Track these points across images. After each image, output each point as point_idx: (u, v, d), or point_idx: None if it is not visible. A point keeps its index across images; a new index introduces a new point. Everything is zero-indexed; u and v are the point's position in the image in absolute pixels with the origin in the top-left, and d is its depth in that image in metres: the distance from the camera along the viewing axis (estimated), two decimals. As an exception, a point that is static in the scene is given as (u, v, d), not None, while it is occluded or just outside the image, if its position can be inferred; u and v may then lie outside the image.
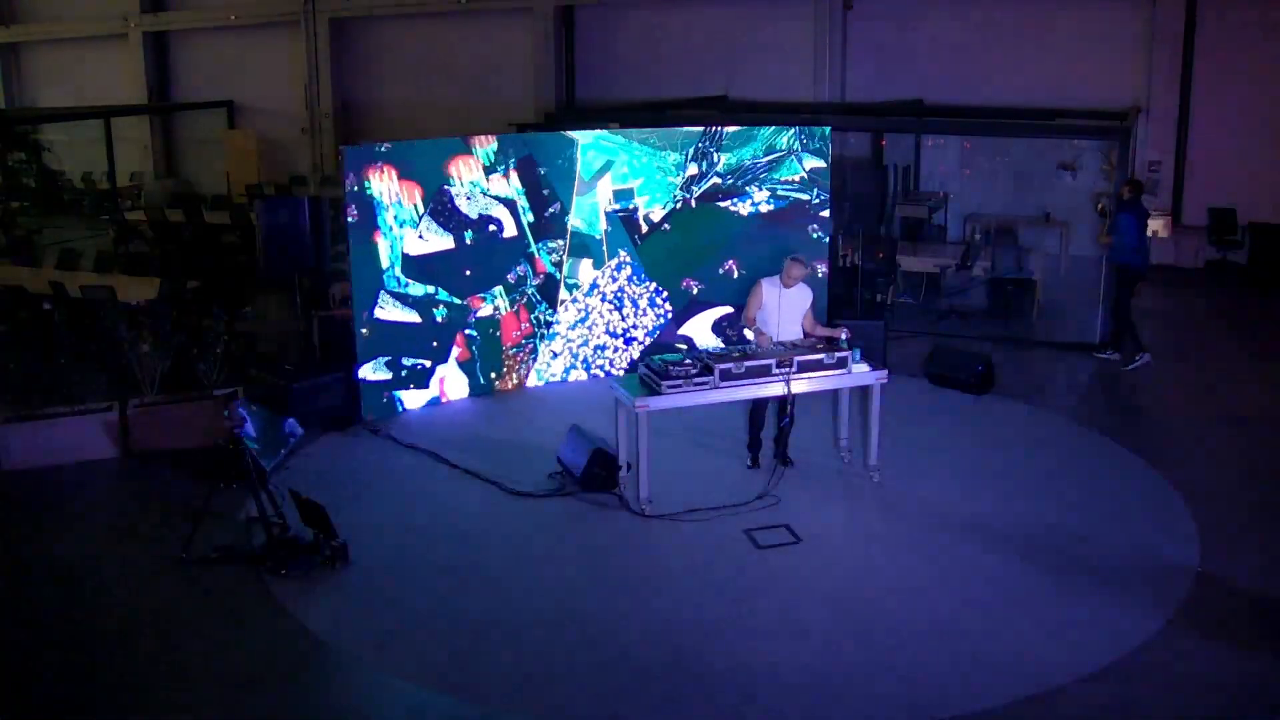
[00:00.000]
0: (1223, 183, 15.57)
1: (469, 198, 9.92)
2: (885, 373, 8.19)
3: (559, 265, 10.44)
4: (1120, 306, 11.11)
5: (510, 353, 10.38)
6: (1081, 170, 16.36)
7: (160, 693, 5.89)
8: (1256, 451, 8.97)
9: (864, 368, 8.10)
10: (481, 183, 9.95)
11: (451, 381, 10.13)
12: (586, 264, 10.57)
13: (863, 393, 8.68)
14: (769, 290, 8.31)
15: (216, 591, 6.89)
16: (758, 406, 8.47)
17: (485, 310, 10.16)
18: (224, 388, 9.37)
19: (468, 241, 9.95)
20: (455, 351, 10.09)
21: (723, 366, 7.70)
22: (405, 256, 9.61)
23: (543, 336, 10.51)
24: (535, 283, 10.36)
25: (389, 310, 9.60)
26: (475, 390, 10.24)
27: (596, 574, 7.04)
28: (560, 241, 10.40)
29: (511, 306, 10.28)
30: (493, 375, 10.34)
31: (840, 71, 17.78)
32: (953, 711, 5.54)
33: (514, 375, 10.44)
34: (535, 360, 10.53)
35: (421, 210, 9.69)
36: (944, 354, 10.61)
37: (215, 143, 22.66)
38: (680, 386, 7.66)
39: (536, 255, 10.32)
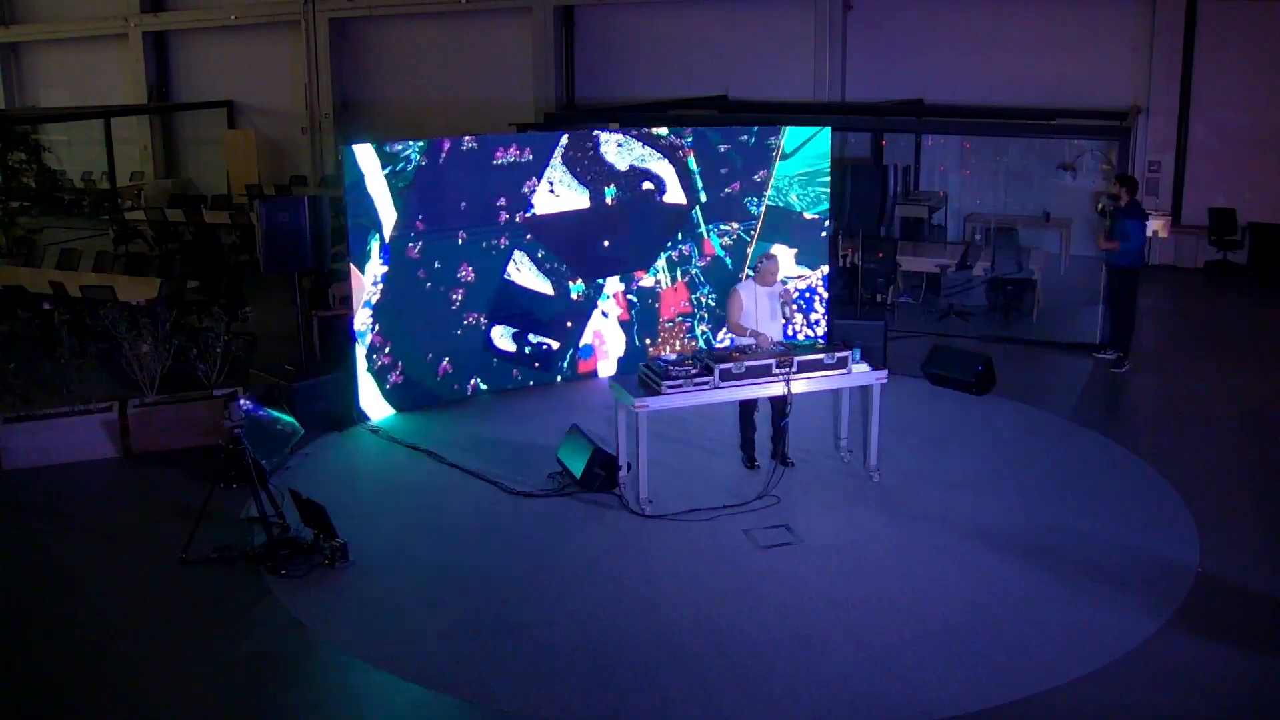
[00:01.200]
0: (1223, 183, 15.58)
1: (620, 144, 9.79)
2: (885, 373, 8.19)
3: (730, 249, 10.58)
4: (1126, 309, 11.03)
5: (667, 326, 10.65)
6: (1081, 170, 16.37)
7: (160, 693, 5.89)
8: (1257, 451, 8.97)
9: (864, 368, 8.10)
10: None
11: (610, 337, 10.56)
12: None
13: (863, 393, 8.69)
14: (746, 294, 8.35)
15: (216, 591, 6.89)
16: (746, 408, 8.48)
17: (647, 281, 10.41)
18: (224, 388, 9.37)
19: (609, 201, 9.82)
20: (617, 310, 10.49)
21: (723, 366, 7.70)
22: (535, 219, 9.53)
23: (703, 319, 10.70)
24: (701, 264, 10.49)
25: (524, 273, 9.48)
26: (630, 350, 10.53)
27: (596, 574, 7.04)
28: (734, 224, 10.52)
29: (672, 284, 10.51)
30: (648, 341, 10.63)
31: (840, 71, 17.78)
32: (953, 711, 5.54)
33: (670, 346, 10.66)
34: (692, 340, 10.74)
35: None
36: (944, 354, 10.61)
37: (215, 143, 22.67)
38: (680, 386, 7.66)
39: (706, 237, 10.43)
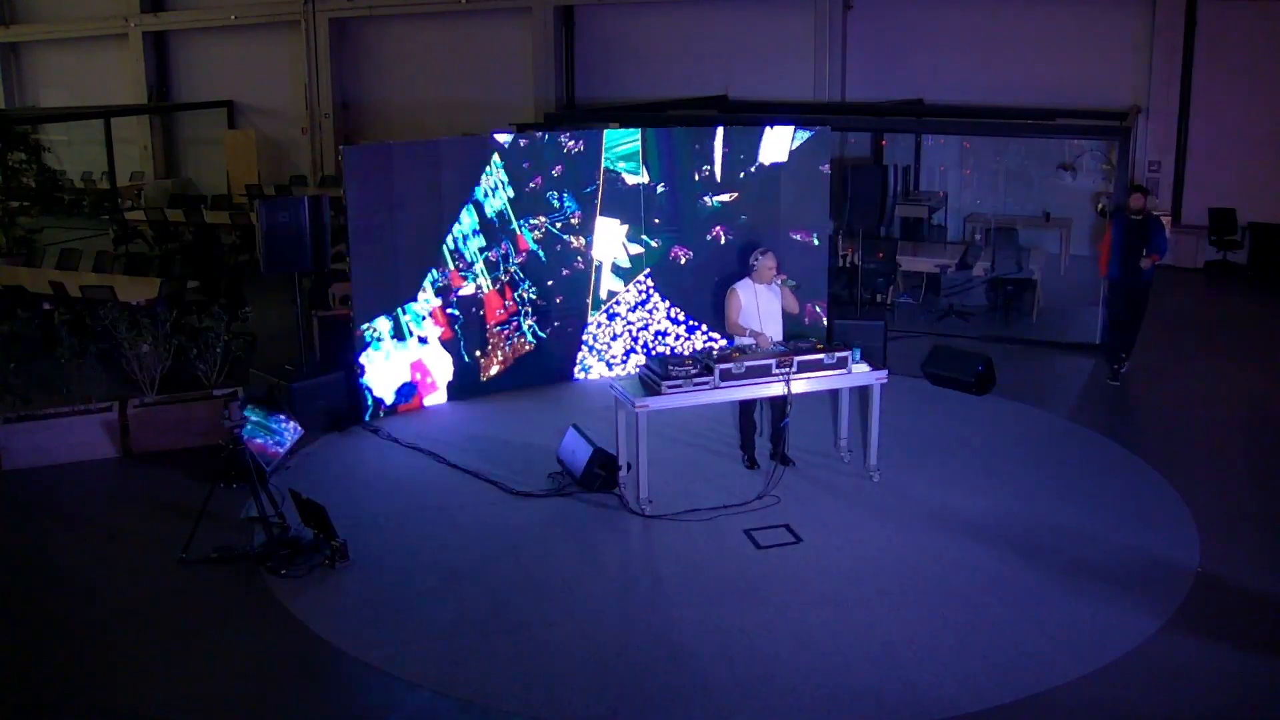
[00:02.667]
0: (1223, 183, 15.58)
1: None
2: (885, 373, 8.19)
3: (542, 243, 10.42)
4: (1139, 320, 10.65)
5: (495, 331, 10.33)
6: (1081, 170, 16.38)
7: (160, 693, 5.89)
8: (1257, 452, 8.97)
9: (864, 368, 8.10)
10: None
11: (434, 362, 10.03)
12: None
13: (862, 393, 8.69)
14: (745, 293, 8.31)
15: (216, 591, 6.89)
16: (746, 407, 8.47)
17: (467, 289, 10.11)
18: (224, 388, 9.37)
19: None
20: (438, 330, 10.01)
21: (723, 366, 7.70)
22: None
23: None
24: (517, 261, 10.34)
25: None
26: (461, 370, 10.17)
27: (596, 574, 7.04)
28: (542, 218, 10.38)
29: (494, 287, 10.24)
30: (478, 354, 10.28)
31: (840, 71, 17.79)
32: (953, 711, 5.54)
33: (498, 354, 10.39)
34: (519, 339, 10.48)
35: None
36: (944, 354, 10.61)
37: (215, 143, 22.67)
38: (680, 386, 7.66)
39: (519, 233, 10.27)
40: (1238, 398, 10.24)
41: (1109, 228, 10.72)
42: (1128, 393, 10.60)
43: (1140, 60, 15.85)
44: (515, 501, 8.07)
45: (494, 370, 10.39)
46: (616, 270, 10.74)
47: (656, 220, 10.68)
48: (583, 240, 10.53)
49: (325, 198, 10.17)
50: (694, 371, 7.71)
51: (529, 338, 10.56)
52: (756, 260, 8.31)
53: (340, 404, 9.57)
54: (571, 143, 10.36)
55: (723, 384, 7.72)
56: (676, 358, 7.92)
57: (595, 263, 10.65)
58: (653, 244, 10.69)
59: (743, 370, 7.75)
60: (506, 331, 10.40)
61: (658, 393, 7.63)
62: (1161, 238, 10.41)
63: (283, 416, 8.79)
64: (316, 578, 6.96)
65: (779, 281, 8.28)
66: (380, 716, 5.67)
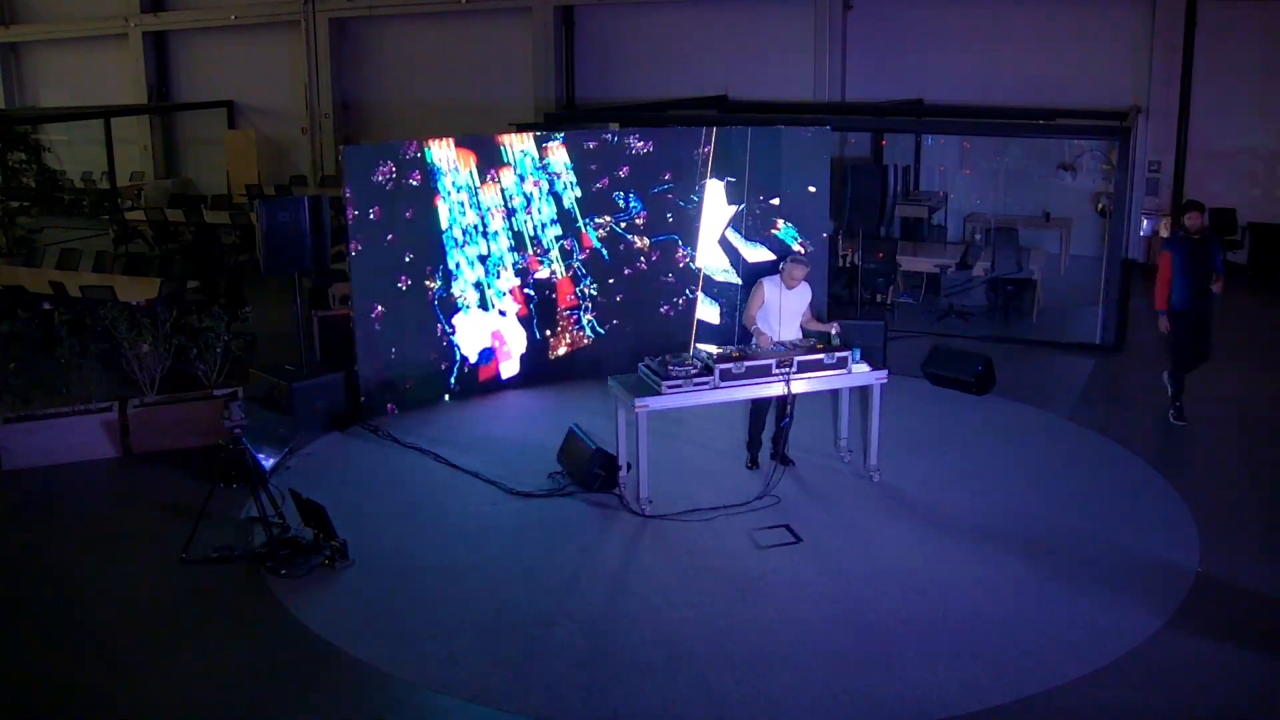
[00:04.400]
0: (1223, 183, 15.58)
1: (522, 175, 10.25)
2: (885, 373, 8.19)
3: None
4: (1209, 349, 9.66)
5: (564, 315, 10.67)
6: (1081, 170, 16.38)
7: (160, 693, 5.89)
8: (1257, 452, 8.97)
9: (864, 368, 8.10)
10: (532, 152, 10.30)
11: (510, 334, 10.50)
12: None
13: (863, 393, 8.69)
14: (770, 290, 8.33)
15: (216, 591, 6.89)
16: (758, 407, 8.48)
17: (542, 273, 10.48)
18: (224, 388, 9.37)
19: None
20: (516, 307, 10.45)
21: (723, 366, 7.70)
22: None
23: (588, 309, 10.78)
24: (581, 257, 10.59)
25: None
26: (532, 345, 10.60)
27: (596, 574, 7.04)
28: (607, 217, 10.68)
29: (568, 273, 10.62)
30: (548, 333, 10.64)
31: (840, 71, 17.78)
32: (953, 711, 5.54)
33: (565, 338, 10.69)
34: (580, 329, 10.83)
35: (477, 179, 10.01)
36: (944, 354, 10.61)
37: (215, 143, 22.67)
38: (680, 386, 7.66)
39: (584, 230, 10.53)
40: (1238, 398, 10.23)
41: (1163, 256, 9.45)
42: (1128, 392, 10.60)
43: (1140, 60, 15.85)
44: (515, 501, 8.07)
45: (561, 351, 10.75)
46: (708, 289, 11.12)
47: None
48: (645, 241, 10.78)
49: (325, 198, 10.18)
50: (694, 371, 7.71)
51: (588, 332, 10.82)
52: (784, 265, 8.35)
53: (340, 404, 9.57)
54: (640, 144, 10.59)
55: (723, 384, 7.72)
56: (677, 358, 7.92)
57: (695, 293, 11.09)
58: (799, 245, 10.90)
59: (743, 370, 7.75)
60: (575, 317, 10.73)
61: (657, 393, 7.63)
62: (1223, 256, 9.49)
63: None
64: (316, 578, 6.96)
65: (834, 331, 8.25)
66: (380, 717, 5.67)
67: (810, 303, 8.49)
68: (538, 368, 10.62)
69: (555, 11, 19.58)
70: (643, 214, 10.72)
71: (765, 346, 8.10)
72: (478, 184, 10.06)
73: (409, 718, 5.68)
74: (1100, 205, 15.70)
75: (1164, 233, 13.54)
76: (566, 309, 10.67)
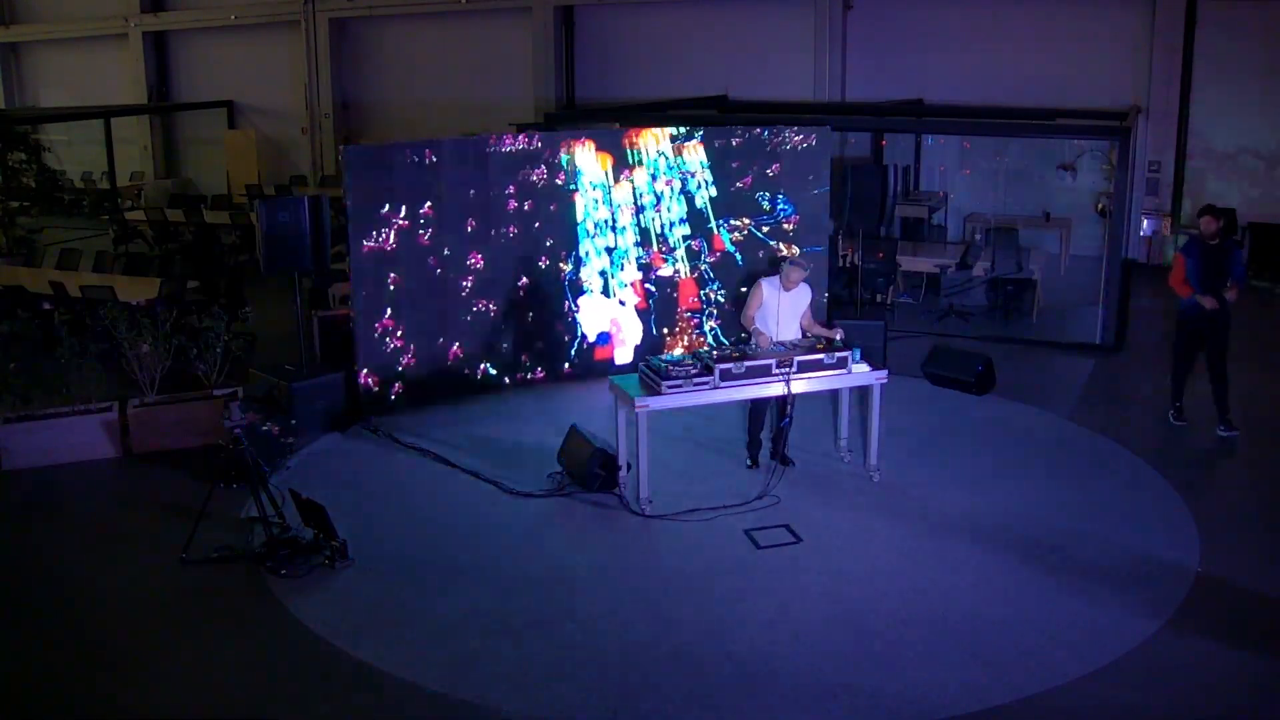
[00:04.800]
0: (1222, 183, 15.57)
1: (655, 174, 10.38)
2: (885, 373, 8.19)
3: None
4: (1225, 356, 9.39)
5: (686, 316, 10.74)
6: (1081, 170, 16.37)
7: (160, 693, 5.89)
8: (1257, 452, 8.97)
9: (864, 368, 8.10)
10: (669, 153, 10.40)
11: (628, 323, 10.71)
12: None
13: (862, 393, 8.68)
14: (769, 291, 8.33)
15: (216, 591, 6.89)
16: (758, 407, 8.48)
17: (666, 270, 10.56)
18: (224, 388, 9.37)
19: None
20: (635, 299, 10.65)
21: (723, 366, 7.70)
22: None
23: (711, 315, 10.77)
24: (710, 260, 10.58)
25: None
26: (647, 339, 10.73)
27: (597, 574, 7.04)
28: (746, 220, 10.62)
29: (692, 274, 10.66)
30: (665, 331, 10.67)
31: (840, 71, 17.78)
32: (953, 711, 5.54)
33: (683, 339, 10.73)
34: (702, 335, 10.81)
35: (611, 179, 10.28)
36: (944, 354, 10.60)
37: (215, 143, 22.66)
38: (680, 386, 7.66)
39: (715, 232, 10.49)
40: (1238, 397, 10.21)
41: (1178, 258, 9.35)
42: (1128, 392, 10.60)
43: (1140, 60, 15.83)
44: (515, 501, 8.07)
45: (677, 351, 10.62)
46: None
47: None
48: (795, 249, 10.62)
49: (325, 198, 10.18)
50: (694, 371, 7.71)
51: (709, 340, 10.77)
52: (783, 267, 8.36)
53: (340, 404, 9.57)
54: (799, 138, 10.27)
55: (723, 384, 7.72)
56: (676, 357, 7.93)
57: None
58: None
59: (743, 370, 7.75)
60: (696, 321, 10.76)
61: (658, 393, 7.63)
62: (1242, 264, 9.38)
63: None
64: (316, 578, 6.96)
65: (838, 337, 8.25)
66: (380, 716, 5.67)
67: (810, 303, 8.49)
68: None
69: (555, 11, 19.58)
70: (793, 218, 10.41)
71: (764, 347, 8.10)
72: (611, 183, 10.35)
73: (409, 717, 5.68)
74: (1100, 205, 15.69)
75: (1165, 232, 13.54)
76: (688, 310, 10.67)
